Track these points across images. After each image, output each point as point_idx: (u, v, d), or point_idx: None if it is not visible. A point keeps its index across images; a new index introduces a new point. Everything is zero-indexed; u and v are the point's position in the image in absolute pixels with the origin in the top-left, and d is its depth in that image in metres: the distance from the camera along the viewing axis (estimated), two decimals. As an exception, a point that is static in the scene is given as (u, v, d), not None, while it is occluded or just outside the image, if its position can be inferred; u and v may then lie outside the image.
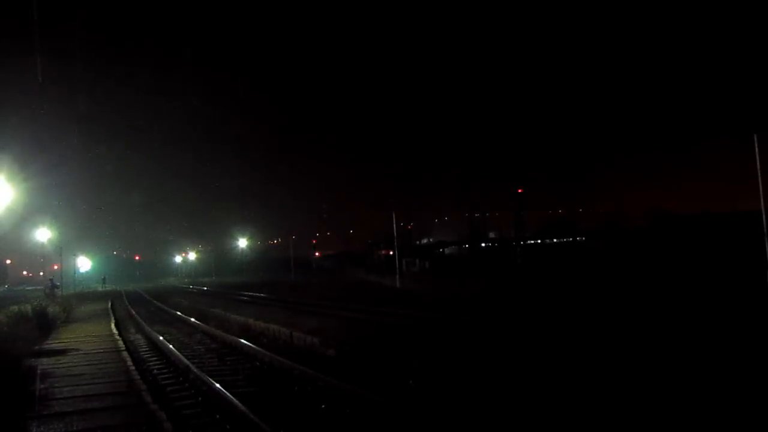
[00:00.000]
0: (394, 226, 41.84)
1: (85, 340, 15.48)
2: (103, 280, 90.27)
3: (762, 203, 19.81)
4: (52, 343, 15.17)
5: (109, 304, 33.63)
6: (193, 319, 22.25)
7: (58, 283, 43.09)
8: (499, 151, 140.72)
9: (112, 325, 19.71)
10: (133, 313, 27.76)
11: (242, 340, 14.68)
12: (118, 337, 16.08)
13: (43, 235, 40.95)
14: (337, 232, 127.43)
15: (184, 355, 12.87)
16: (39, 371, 10.50)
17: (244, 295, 37.19)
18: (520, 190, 68.74)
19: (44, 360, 11.99)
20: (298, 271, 71.73)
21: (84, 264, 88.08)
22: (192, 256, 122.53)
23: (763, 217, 19.60)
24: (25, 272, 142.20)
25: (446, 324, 15.37)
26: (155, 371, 12.13)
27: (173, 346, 14.45)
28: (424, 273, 55.87)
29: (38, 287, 57.47)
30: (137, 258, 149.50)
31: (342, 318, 18.66)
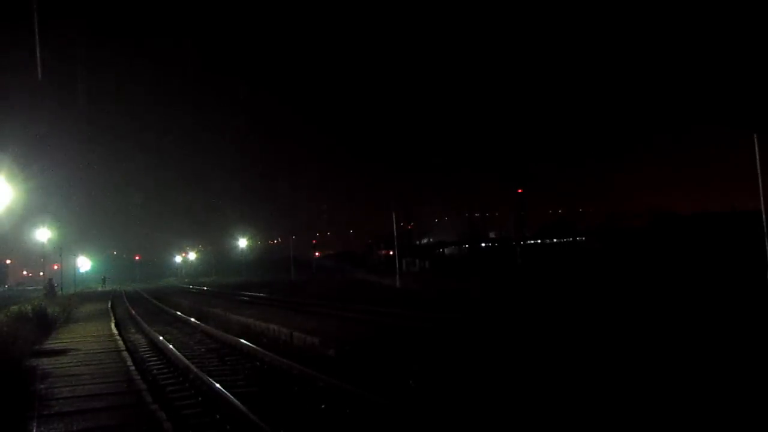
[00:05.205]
0: (394, 226, 41.83)
1: (85, 340, 15.48)
2: (103, 280, 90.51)
3: (762, 203, 19.82)
4: (52, 343, 15.16)
5: (109, 304, 33.64)
6: (193, 319, 22.25)
7: (56, 283, 43.14)
8: (499, 151, 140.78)
9: (112, 325, 19.71)
10: (133, 313, 27.76)
11: (242, 340, 14.67)
12: (118, 337, 16.07)
13: (43, 235, 40.96)
14: (337, 232, 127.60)
15: (184, 355, 12.87)
16: (39, 371, 10.51)
17: (244, 295, 37.18)
18: (520, 190, 68.71)
19: (44, 360, 11.98)
20: (298, 271, 71.79)
21: (84, 264, 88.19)
22: (192, 256, 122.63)
23: (763, 217, 19.61)
24: (25, 272, 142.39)
25: (446, 324, 15.37)
26: (155, 371, 12.12)
27: (173, 346, 14.44)
28: (424, 273, 55.88)
29: (38, 287, 57.52)
30: (137, 258, 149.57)
31: (342, 318, 18.65)
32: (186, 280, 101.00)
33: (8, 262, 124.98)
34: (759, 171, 20.03)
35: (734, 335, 10.56)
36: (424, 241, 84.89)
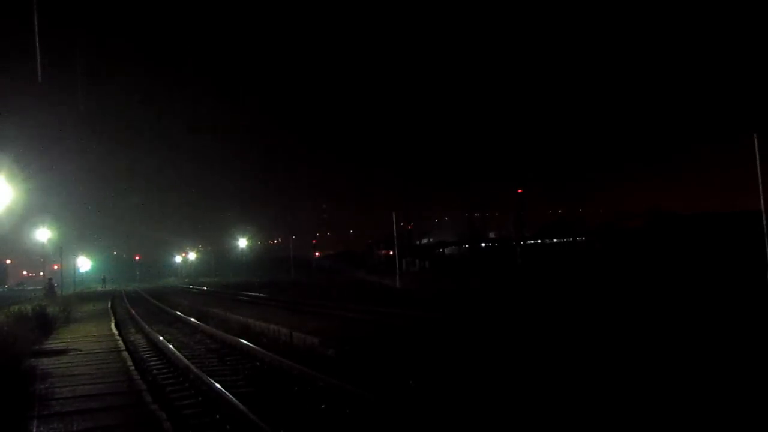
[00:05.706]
0: (394, 226, 41.80)
1: (85, 340, 15.48)
2: (103, 280, 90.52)
3: (762, 203, 19.82)
4: (52, 343, 15.16)
5: (109, 304, 33.65)
6: (193, 319, 22.25)
7: (56, 284, 43.17)
8: (499, 151, 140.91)
9: (112, 325, 19.70)
10: (133, 313, 27.76)
11: (242, 340, 14.67)
12: (118, 337, 16.07)
13: (43, 235, 40.92)
14: (337, 232, 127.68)
15: (183, 355, 12.87)
16: (39, 371, 10.50)
17: (244, 295, 37.18)
18: (520, 190, 68.66)
19: (44, 360, 11.98)
20: (298, 271, 71.73)
21: (84, 264, 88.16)
22: (192, 256, 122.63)
23: (763, 217, 19.61)
24: (25, 272, 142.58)
25: (446, 324, 15.37)
26: (155, 371, 12.12)
27: (173, 346, 14.45)
28: (424, 273, 55.91)
29: (38, 287, 57.54)
30: (137, 258, 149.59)
31: (342, 318, 18.64)
32: (186, 280, 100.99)
33: (8, 262, 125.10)
34: (759, 171, 20.04)
35: (734, 334, 10.56)
36: (424, 241, 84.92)
